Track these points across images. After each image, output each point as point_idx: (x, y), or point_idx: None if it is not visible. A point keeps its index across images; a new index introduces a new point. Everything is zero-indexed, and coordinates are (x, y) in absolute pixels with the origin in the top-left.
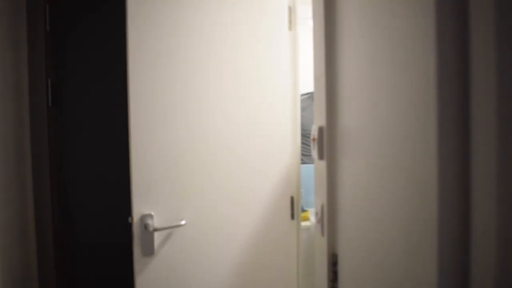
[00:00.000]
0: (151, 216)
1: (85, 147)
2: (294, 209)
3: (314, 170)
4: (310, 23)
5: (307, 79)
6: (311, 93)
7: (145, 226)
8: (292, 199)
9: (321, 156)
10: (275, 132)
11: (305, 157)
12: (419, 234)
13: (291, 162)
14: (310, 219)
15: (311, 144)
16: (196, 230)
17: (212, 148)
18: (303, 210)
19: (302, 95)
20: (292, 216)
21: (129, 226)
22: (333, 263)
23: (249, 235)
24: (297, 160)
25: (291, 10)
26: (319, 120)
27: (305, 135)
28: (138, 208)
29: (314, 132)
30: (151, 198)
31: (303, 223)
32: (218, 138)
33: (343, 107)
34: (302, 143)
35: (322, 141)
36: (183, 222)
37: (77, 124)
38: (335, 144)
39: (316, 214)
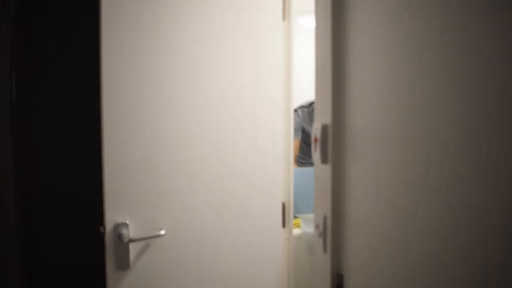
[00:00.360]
0: (126, 225)
1: (54, 146)
2: (286, 216)
3: (315, 176)
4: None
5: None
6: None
7: (119, 237)
8: (283, 205)
9: (325, 160)
10: (266, 133)
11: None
12: (462, 260)
13: (283, 165)
14: (301, 227)
15: (312, 146)
16: (176, 241)
17: (196, 151)
18: (294, 217)
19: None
20: (284, 224)
21: (101, 237)
22: (337, 285)
23: (236, 246)
24: (289, 164)
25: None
26: (322, 117)
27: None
28: (111, 216)
29: (316, 131)
30: (126, 205)
31: (294, 231)
32: (203, 140)
33: (355, 103)
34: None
35: (326, 142)
36: (162, 232)
37: (44, 121)
38: (343, 145)
39: (317, 226)
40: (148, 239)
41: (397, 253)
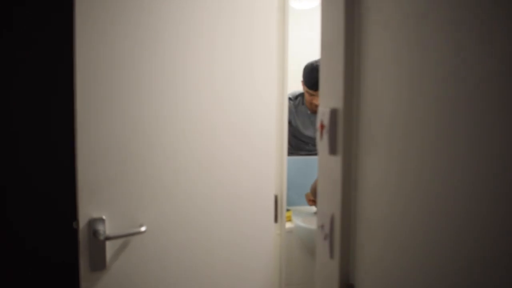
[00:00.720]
0: (102, 220)
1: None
2: (278, 210)
3: (320, 168)
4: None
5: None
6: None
7: (95, 233)
8: (276, 198)
9: (333, 150)
10: (258, 120)
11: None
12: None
13: (276, 154)
14: (293, 220)
15: (317, 134)
16: (159, 239)
17: (180, 140)
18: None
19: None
20: (276, 219)
21: (74, 233)
22: None
23: (224, 243)
24: (282, 153)
25: None
26: (331, 100)
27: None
28: (86, 210)
29: (322, 117)
30: (102, 198)
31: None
32: (188, 129)
33: (373, 84)
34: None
35: (335, 129)
36: (143, 229)
37: (8, 107)
38: (356, 134)
39: (322, 227)
40: (127, 236)
41: (423, 265)
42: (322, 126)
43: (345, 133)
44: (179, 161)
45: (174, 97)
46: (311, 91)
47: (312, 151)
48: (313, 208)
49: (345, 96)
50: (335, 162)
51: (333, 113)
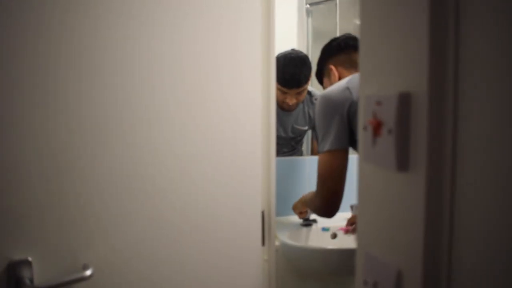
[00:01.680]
0: (27, 263)
1: None
2: (266, 230)
3: (366, 188)
4: None
5: None
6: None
7: (18, 283)
8: (263, 215)
9: (403, 163)
10: (240, 118)
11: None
12: None
13: (262, 161)
14: (277, 236)
15: (360, 134)
16: (113, 284)
17: (138, 148)
18: None
19: None
20: (263, 241)
21: None
22: None
23: (199, 279)
24: (269, 159)
25: None
26: (395, 77)
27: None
28: (3, 249)
29: (376, 108)
30: (27, 231)
31: None
32: (149, 133)
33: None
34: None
35: (408, 127)
36: (88, 273)
37: None
38: (454, 136)
39: (365, 284)
40: (65, 285)
41: None
42: (376, 123)
43: (432, 135)
44: (138, 178)
45: (125, 97)
46: (284, 89)
47: (285, 153)
48: (299, 219)
49: (432, 70)
50: (408, 184)
51: (404, 99)
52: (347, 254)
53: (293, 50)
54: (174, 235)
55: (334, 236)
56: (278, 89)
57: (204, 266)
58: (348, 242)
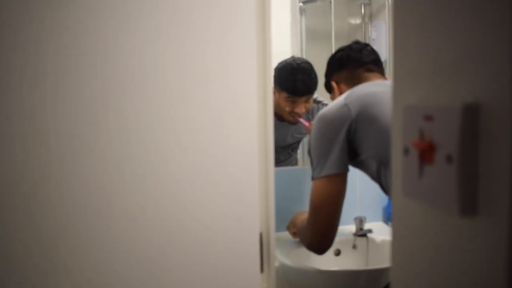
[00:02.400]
0: None
1: None
2: (264, 255)
3: (404, 234)
4: None
5: None
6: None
7: None
8: (261, 237)
9: (470, 206)
10: (233, 127)
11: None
12: None
13: (259, 177)
14: (277, 257)
15: (396, 158)
16: None
17: (117, 157)
18: None
19: None
20: (262, 267)
21: None
22: None
23: None
24: (267, 174)
25: None
26: (455, 83)
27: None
28: None
29: (422, 124)
30: None
31: None
32: (129, 140)
33: None
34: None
35: (476, 156)
36: None
37: None
38: None
39: None
40: None
41: None
42: (426, 146)
43: None
44: (116, 196)
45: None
46: (294, 97)
47: (282, 162)
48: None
49: None
50: (478, 235)
51: (472, 114)
52: (353, 276)
53: (293, 57)
54: (162, 263)
55: (337, 252)
56: (286, 99)
57: None
58: (353, 260)
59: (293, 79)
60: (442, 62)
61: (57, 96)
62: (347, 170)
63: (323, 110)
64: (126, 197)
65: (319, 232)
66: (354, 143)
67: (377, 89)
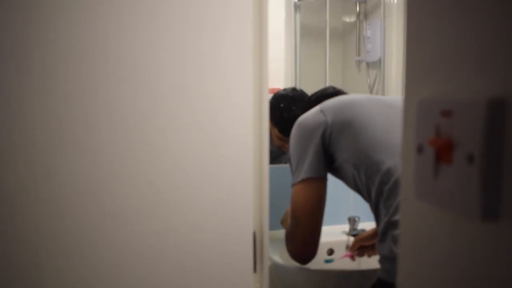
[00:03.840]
0: None
1: None
2: (257, 254)
3: (414, 240)
4: None
5: None
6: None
7: None
8: (254, 236)
9: (493, 210)
10: (228, 125)
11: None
12: None
13: (253, 173)
14: (270, 257)
15: (405, 155)
16: None
17: (112, 154)
18: None
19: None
20: (255, 267)
21: None
22: None
23: None
24: (262, 171)
25: None
26: (479, 74)
27: None
28: None
29: (439, 120)
30: None
31: None
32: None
33: None
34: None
35: (500, 156)
36: None
37: None
38: None
39: None
40: None
41: None
42: (444, 143)
43: None
44: (104, 194)
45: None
46: (283, 137)
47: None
48: None
49: None
50: (501, 241)
51: (498, 110)
52: (345, 276)
53: (287, 91)
54: (154, 261)
55: (330, 252)
56: (276, 135)
57: None
58: (347, 260)
59: (286, 120)
60: (464, 54)
61: (55, 93)
62: (324, 175)
63: (301, 117)
64: (118, 195)
65: (300, 240)
66: (330, 149)
67: (353, 96)
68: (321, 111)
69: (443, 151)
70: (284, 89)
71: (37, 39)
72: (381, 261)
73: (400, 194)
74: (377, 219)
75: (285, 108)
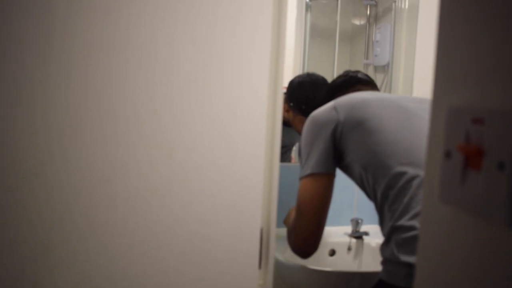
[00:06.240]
0: None
1: None
2: (263, 251)
3: (435, 245)
4: None
5: None
6: None
7: None
8: (261, 233)
9: None
10: (241, 121)
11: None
12: None
13: (263, 170)
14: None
15: (431, 159)
16: None
17: (124, 147)
18: None
19: None
20: (260, 263)
21: None
22: None
23: None
24: (272, 168)
25: None
26: None
27: None
28: None
29: (470, 127)
30: None
31: None
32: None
33: None
34: None
35: None
36: None
37: None
38: None
39: None
40: None
41: None
42: (473, 151)
43: None
44: (114, 185)
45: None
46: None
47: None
48: None
49: None
50: None
51: None
52: (346, 277)
53: (309, 75)
54: (160, 253)
55: (332, 253)
56: (301, 121)
57: None
58: (347, 261)
59: (316, 95)
60: (496, 62)
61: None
62: (332, 171)
63: (314, 112)
64: (129, 187)
65: (303, 234)
66: (340, 146)
67: (366, 96)
68: (334, 108)
69: (472, 158)
70: (298, 76)
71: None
72: (383, 262)
73: (422, 196)
74: (381, 221)
75: (306, 86)
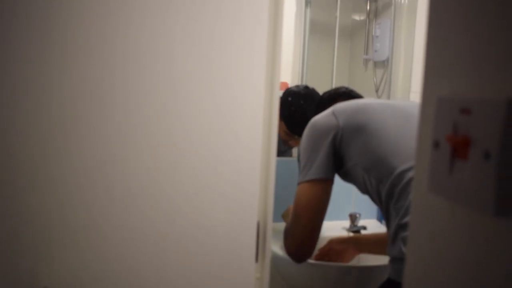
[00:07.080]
0: None
1: None
2: (260, 244)
3: (425, 233)
4: None
5: None
6: None
7: None
8: (258, 227)
9: (506, 207)
10: (239, 116)
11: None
12: None
13: (260, 162)
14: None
15: (420, 150)
16: None
17: (112, 147)
18: None
19: None
20: (257, 257)
21: None
22: None
23: None
24: (269, 160)
25: None
26: (500, 74)
27: None
28: None
29: (458, 117)
30: None
31: None
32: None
33: None
34: None
35: None
36: None
37: None
38: None
39: None
40: None
41: None
42: (461, 140)
43: None
44: (112, 180)
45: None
46: (290, 133)
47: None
48: None
49: None
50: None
51: None
52: (343, 272)
53: (299, 88)
54: (158, 244)
55: None
56: (284, 130)
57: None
58: None
59: (294, 117)
60: (484, 53)
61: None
62: (331, 177)
63: (314, 118)
64: (129, 179)
65: (298, 238)
66: (340, 152)
67: (367, 101)
68: (333, 114)
69: (460, 147)
70: (297, 86)
71: (42, 35)
72: (391, 261)
73: (412, 187)
74: (388, 221)
75: (295, 104)
